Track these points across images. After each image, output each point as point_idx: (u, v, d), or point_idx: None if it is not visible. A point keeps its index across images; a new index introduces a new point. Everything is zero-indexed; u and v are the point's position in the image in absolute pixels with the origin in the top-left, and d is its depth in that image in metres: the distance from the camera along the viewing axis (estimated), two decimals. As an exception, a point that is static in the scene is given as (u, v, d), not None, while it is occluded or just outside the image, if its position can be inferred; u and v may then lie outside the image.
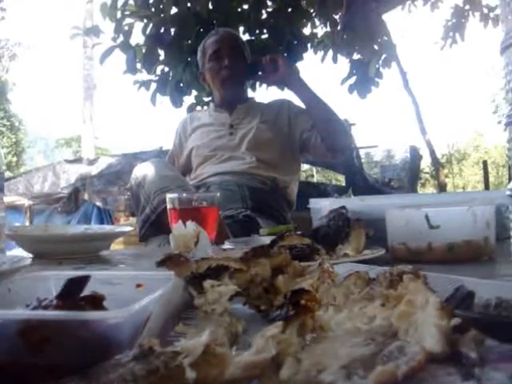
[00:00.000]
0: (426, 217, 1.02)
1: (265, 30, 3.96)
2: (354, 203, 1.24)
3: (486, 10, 6.63)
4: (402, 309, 0.52)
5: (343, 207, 1.18)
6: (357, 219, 1.13)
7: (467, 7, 6.77)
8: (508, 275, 0.85)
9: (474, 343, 0.46)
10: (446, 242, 1.02)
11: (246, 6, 3.92)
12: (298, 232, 1.51)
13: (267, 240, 1.35)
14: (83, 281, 0.48)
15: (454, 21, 6.79)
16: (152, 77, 3.76)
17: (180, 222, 0.66)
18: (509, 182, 0.82)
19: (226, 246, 1.17)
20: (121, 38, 3.52)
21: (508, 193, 0.74)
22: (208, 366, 0.35)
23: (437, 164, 9.68)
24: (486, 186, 9.68)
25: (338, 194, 1.50)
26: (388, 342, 0.48)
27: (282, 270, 0.67)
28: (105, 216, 7.61)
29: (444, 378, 0.41)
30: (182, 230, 0.66)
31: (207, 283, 0.56)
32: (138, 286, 0.56)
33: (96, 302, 0.48)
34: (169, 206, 1.30)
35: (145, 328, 0.46)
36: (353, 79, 4.64)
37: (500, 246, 1.10)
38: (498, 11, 6.55)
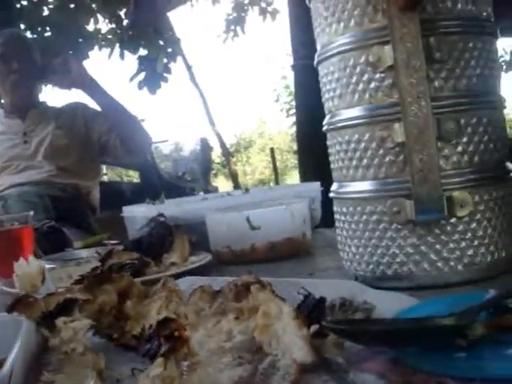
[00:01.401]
0: (247, 219, 1.06)
1: (48, 28, 3.78)
2: (171, 209, 1.24)
3: (264, 5, 6.99)
4: (260, 322, 0.54)
5: (161, 214, 1.18)
6: (177, 226, 1.13)
7: (247, 1, 7.07)
8: (330, 268, 0.92)
9: (336, 348, 0.50)
10: (267, 242, 1.07)
11: (25, 2, 3.71)
12: (113, 241, 1.49)
13: (84, 253, 1.31)
14: None
15: (234, 15, 7.08)
16: None
17: (21, 259, 0.61)
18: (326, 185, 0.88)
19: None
20: None
21: (332, 194, 0.80)
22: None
23: (227, 154, 10.02)
24: (275, 171, 10.26)
25: (150, 199, 1.48)
26: (257, 358, 0.50)
27: (127, 294, 0.66)
28: None
29: (323, 387, 0.44)
30: (25, 269, 0.61)
31: (59, 321, 0.54)
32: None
33: None
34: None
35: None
36: (142, 75, 4.61)
37: (314, 237, 1.18)
38: (275, 5, 6.95)
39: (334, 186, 0.80)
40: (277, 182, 10.30)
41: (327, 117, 0.79)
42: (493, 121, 0.72)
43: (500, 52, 7.53)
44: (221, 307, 0.61)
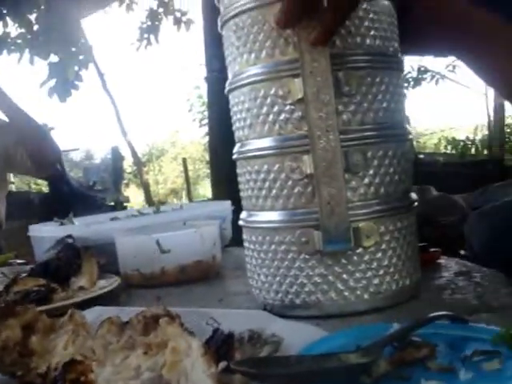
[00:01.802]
0: (157, 242, 1.05)
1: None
2: (80, 230, 1.21)
3: (178, 14, 6.97)
4: (168, 358, 0.53)
5: (70, 236, 1.14)
6: (86, 247, 1.10)
7: (161, 10, 7.02)
8: (240, 293, 0.91)
9: (243, 386, 0.50)
10: (177, 265, 1.05)
11: None
12: (20, 261, 1.43)
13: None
14: None
15: (148, 23, 7.01)
16: None
17: None
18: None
19: None
20: None
21: (241, 223, 0.80)
22: None
23: (139, 163, 9.88)
24: (187, 181, 10.23)
25: (58, 218, 1.43)
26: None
27: (32, 328, 0.63)
28: None
29: None
30: None
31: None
32: None
33: None
34: None
35: None
36: (52, 82, 4.48)
37: (224, 258, 1.18)
38: (189, 16, 6.94)
39: (244, 215, 0.80)
40: (189, 193, 10.28)
41: (237, 145, 0.79)
42: (399, 153, 0.74)
43: (408, 68, 7.84)
44: (129, 341, 0.60)
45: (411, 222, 0.76)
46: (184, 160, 10.53)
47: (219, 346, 0.56)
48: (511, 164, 6.65)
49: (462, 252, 2.53)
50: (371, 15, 0.72)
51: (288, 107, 0.71)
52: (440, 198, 3.90)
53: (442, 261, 0.99)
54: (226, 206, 1.40)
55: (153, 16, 7.07)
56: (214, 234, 1.10)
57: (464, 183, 5.00)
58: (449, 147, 9.23)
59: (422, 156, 7.68)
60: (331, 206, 0.68)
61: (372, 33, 0.72)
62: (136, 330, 0.60)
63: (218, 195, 4.05)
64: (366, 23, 0.72)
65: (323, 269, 0.71)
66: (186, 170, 10.18)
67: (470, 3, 0.83)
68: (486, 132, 8.89)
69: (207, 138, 5.11)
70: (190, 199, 10.08)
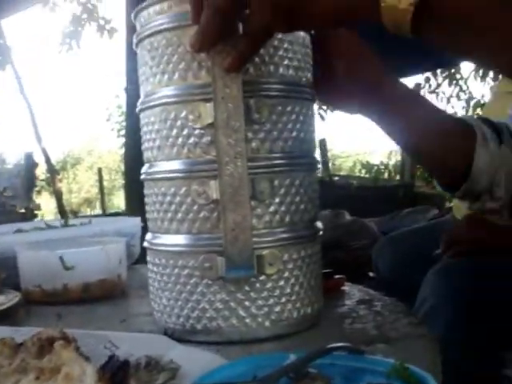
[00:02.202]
0: (61, 258, 1.02)
1: None
2: (-21, 241, 1.15)
3: (102, 22, 6.87)
4: (60, 384, 0.51)
5: (-32, 248, 1.09)
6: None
7: (84, 16, 6.91)
8: (143, 314, 0.90)
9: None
10: (81, 282, 1.02)
11: None
12: None
13: None
14: None
15: (71, 28, 6.87)
16: None
17: None
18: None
19: None
20: None
21: (146, 244, 0.78)
22: None
23: (52, 171, 9.61)
24: (101, 192, 10.04)
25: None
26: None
27: None
28: None
29: None
30: None
31: None
32: None
33: None
34: None
35: None
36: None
37: (130, 276, 1.16)
38: (113, 24, 6.86)
39: (149, 236, 0.79)
40: (103, 203, 10.09)
41: (145, 166, 0.78)
42: (306, 182, 0.75)
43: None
44: (22, 364, 0.57)
45: (315, 250, 0.77)
46: (99, 170, 10.35)
47: (114, 372, 0.54)
48: (421, 191, 6.89)
49: (371, 274, 2.60)
50: (286, 45, 0.73)
51: (198, 131, 0.70)
52: (352, 223, 4.01)
53: (346, 288, 1.00)
54: (136, 222, 1.38)
55: (76, 21, 6.95)
56: (120, 251, 1.08)
57: (376, 207, 5.14)
58: (363, 171, 9.48)
59: (336, 178, 7.86)
60: (236, 233, 0.67)
61: (286, 62, 0.73)
62: (30, 352, 0.58)
63: (131, 209, 4.00)
64: (281, 52, 0.73)
65: (225, 295, 0.71)
66: (100, 181, 10.01)
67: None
68: (399, 158, 9.21)
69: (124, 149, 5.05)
70: (104, 210, 9.89)
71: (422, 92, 6.51)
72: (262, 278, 0.71)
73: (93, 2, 7.11)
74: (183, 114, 0.71)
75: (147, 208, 0.78)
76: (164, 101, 0.73)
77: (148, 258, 0.79)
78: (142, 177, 0.78)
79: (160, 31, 0.73)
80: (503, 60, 0.58)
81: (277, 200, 0.72)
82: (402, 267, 1.81)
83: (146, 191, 0.78)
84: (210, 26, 0.64)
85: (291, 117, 0.73)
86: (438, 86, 7.44)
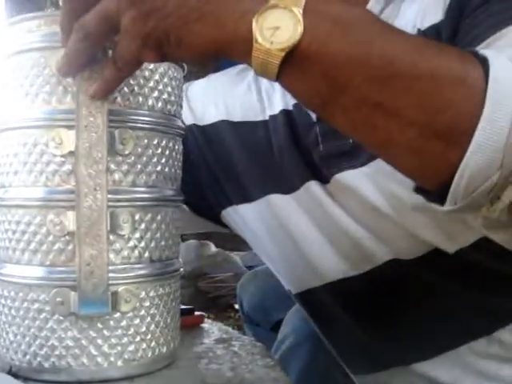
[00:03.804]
0: None
1: None
2: None
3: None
4: None
5: None
6: None
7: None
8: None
9: None
10: None
11: None
12: None
13: None
14: None
15: None
16: None
17: None
18: None
19: None
20: None
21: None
22: None
23: None
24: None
25: None
26: None
27: None
28: None
29: None
30: None
31: None
32: None
33: None
34: None
35: None
36: None
37: None
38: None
39: (-1, 267, 0.74)
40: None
41: (0, 191, 0.73)
42: (168, 219, 0.74)
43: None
44: None
45: (174, 288, 0.76)
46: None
47: None
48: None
49: (237, 306, 2.61)
50: (157, 76, 0.72)
51: (58, 159, 0.67)
52: (218, 255, 4.04)
53: (206, 325, 0.99)
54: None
55: None
56: None
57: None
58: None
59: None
60: (91, 268, 0.64)
61: (155, 94, 0.72)
62: None
63: None
64: (151, 84, 0.71)
65: (77, 332, 0.68)
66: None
67: None
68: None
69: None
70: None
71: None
72: (117, 315, 0.69)
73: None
74: (44, 140, 0.67)
75: (-1, 236, 0.73)
76: (24, 124, 0.69)
77: (-4, 290, 0.74)
78: (-5, 202, 0.73)
79: (27, 50, 0.69)
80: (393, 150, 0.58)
81: (137, 235, 0.70)
82: (265, 303, 1.83)
83: (-2, 218, 0.73)
84: (78, 51, 0.61)
85: (157, 150, 0.72)
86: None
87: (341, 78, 0.53)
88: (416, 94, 0.52)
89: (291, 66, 0.54)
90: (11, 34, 0.73)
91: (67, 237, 0.67)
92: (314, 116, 0.93)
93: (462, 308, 0.90)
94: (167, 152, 0.73)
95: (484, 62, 0.53)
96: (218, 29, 0.54)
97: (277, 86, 0.67)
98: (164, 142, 0.73)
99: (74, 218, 0.65)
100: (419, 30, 0.81)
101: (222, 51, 0.56)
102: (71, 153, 0.66)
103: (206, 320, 1.01)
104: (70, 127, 0.66)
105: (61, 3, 0.70)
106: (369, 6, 0.87)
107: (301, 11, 0.52)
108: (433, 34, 0.79)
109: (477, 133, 0.50)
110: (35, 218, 0.68)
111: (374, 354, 1.03)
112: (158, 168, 0.72)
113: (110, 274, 0.66)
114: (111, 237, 0.67)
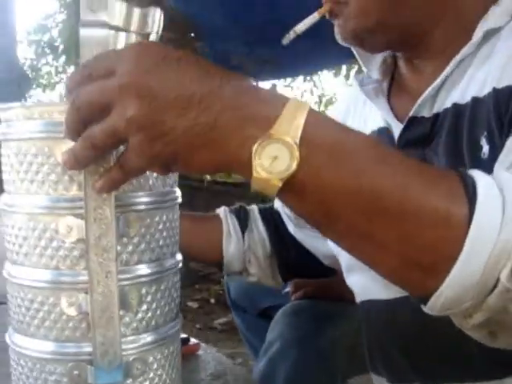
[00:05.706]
0: None
1: None
2: None
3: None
4: None
5: None
6: None
7: None
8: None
9: None
10: None
11: None
12: None
13: None
14: None
15: None
16: None
17: None
18: None
19: None
20: None
21: (10, 343, 0.78)
22: None
23: None
24: None
25: None
26: None
27: None
28: None
29: None
30: None
31: None
32: None
33: None
34: None
35: None
36: None
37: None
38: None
39: (15, 337, 0.78)
40: None
41: (11, 268, 0.77)
42: (170, 285, 0.79)
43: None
44: None
45: (176, 346, 0.82)
46: None
47: None
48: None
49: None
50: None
51: (68, 244, 0.72)
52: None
53: (201, 352, 1.06)
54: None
55: None
56: None
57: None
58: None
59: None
60: (105, 347, 0.70)
61: (155, 174, 0.76)
62: None
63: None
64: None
65: (93, 398, 0.74)
66: None
67: None
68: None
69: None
70: None
71: (277, 87, 6.63)
72: (129, 381, 0.75)
73: None
74: (52, 226, 0.71)
75: (13, 310, 0.77)
76: (31, 210, 0.73)
77: (11, 362, 0.78)
78: (7, 278, 0.77)
79: (29, 138, 0.72)
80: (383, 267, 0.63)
81: (144, 307, 0.75)
82: (251, 290, 1.91)
83: (10, 293, 0.77)
84: (83, 156, 0.65)
85: (159, 226, 0.76)
86: (293, 80, 7.62)
87: (334, 207, 0.59)
88: (401, 230, 0.58)
89: (288, 193, 0.59)
90: (11, 117, 0.75)
91: (81, 315, 0.72)
92: None
93: None
94: (167, 224, 0.78)
95: (473, 195, 0.57)
96: (221, 154, 0.59)
97: None
98: (164, 216, 0.77)
99: (86, 300, 0.70)
100: (494, 88, 0.82)
101: (224, 170, 0.62)
102: (80, 240, 0.70)
103: (201, 345, 1.08)
104: (77, 215, 0.70)
105: (64, 96, 0.73)
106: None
107: (297, 141, 0.57)
108: (506, 94, 0.80)
109: (452, 271, 0.57)
110: (48, 298, 0.73)
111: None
112: (160, 242, 0.77)
113: (123, 346, 0.72)
114: (121, 312, 0.73)
